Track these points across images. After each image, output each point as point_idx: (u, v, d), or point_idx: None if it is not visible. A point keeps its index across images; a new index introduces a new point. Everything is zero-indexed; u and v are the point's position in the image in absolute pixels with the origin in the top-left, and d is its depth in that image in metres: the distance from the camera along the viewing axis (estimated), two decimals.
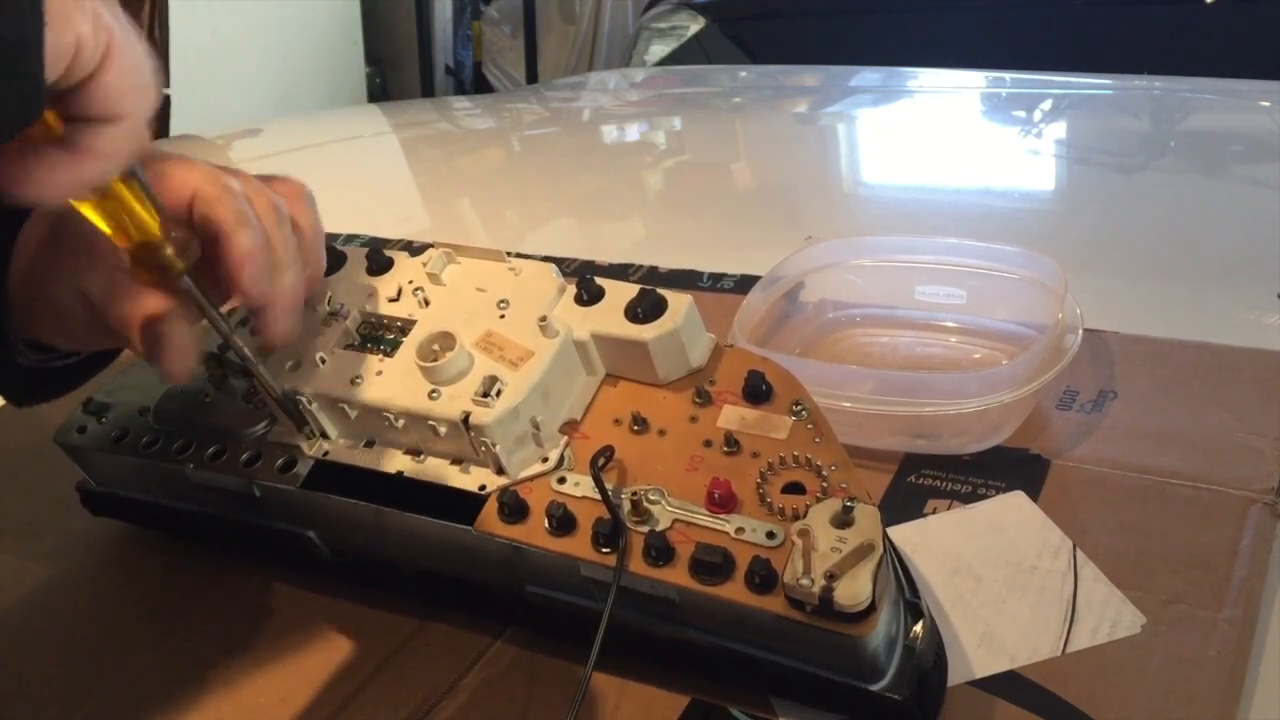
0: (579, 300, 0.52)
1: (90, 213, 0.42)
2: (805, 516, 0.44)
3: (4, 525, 0.68)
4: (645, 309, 0.50)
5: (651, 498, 0.47)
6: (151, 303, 0.46)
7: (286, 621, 0.57)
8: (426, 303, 0.53)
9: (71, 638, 0.59)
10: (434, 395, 0.49)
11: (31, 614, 0.61)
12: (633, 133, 1.57)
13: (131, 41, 0.38)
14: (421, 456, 0.51)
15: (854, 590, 0.41)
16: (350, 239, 1.00)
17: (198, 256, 0.45)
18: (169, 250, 0.44)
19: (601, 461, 0.48)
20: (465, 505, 0.49)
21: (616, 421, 0.51)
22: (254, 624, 0.57)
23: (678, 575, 0.45)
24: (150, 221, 0.43)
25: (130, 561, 0.63)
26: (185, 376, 0.47)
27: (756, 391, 0.50)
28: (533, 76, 3.36)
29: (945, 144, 1.30)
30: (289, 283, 0.47)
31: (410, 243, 0.97)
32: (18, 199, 0.37)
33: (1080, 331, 0.62)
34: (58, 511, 0.66)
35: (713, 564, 0.44)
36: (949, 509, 0.57)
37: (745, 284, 0.79)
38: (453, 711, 0.50)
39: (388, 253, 0.56)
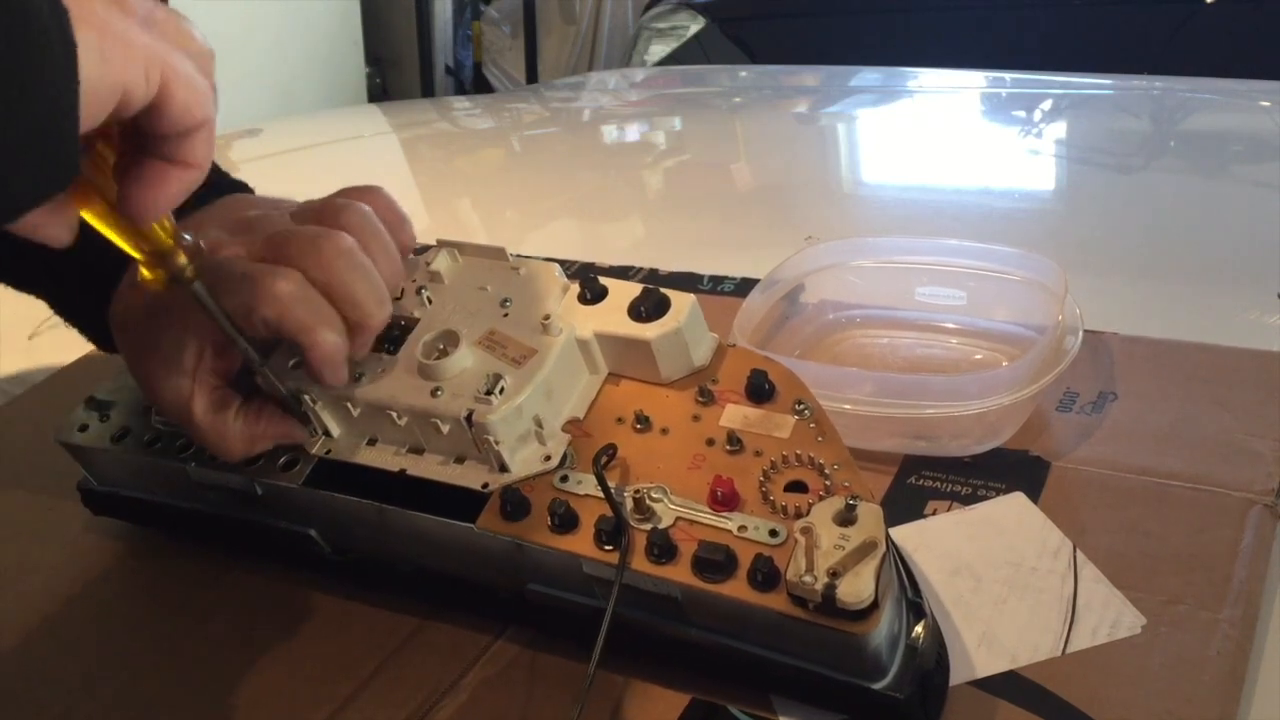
0: (582, 299, 0.52)
1: (100, 225, 0.42)
2: (808, 515, 0.44)
3: (4, 524, 0.68)
4: (648, 308, 0.50)
5: (654, 496, 0.47)
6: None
7: (287, 620, 0.57)
8: (429, 301, 0.54)
9: (72, 637, 0.58)
10: (437, 393, 0.49)
11: (32, 613, 0.60)
12: (633, 133, 1.57)
13: (189, 43, 0.39)
14: (424, 454, 0.51)
15: (857, 588, 0.41)
16: None
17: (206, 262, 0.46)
18: (181, 259, 0.44)
19: (604, 460, 0.48)
20: (467, 503, 0.49)
21: (619, 420, 0.51)
22: (255, 623, 0.57)
23: (680, 573, 0.45)
24: (161, 230, 0.43)
25: (131, 561, 0.63)
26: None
27: (759, 390, 0.50)
28: (533, 76, 3.36)
29: (945, 144, 1.30)
30: (328, 340, 0.48)
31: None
32: (139, 221, 0.41)
33: (1080, 333, 0.62)
34: (59, 511, 0.66)
35: (715, 562, 0.44)
36: (949, 510, 0.57)
37: (745, 286, 0.79)
38: (453, 710, 0.50)
39: None
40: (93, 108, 0.35)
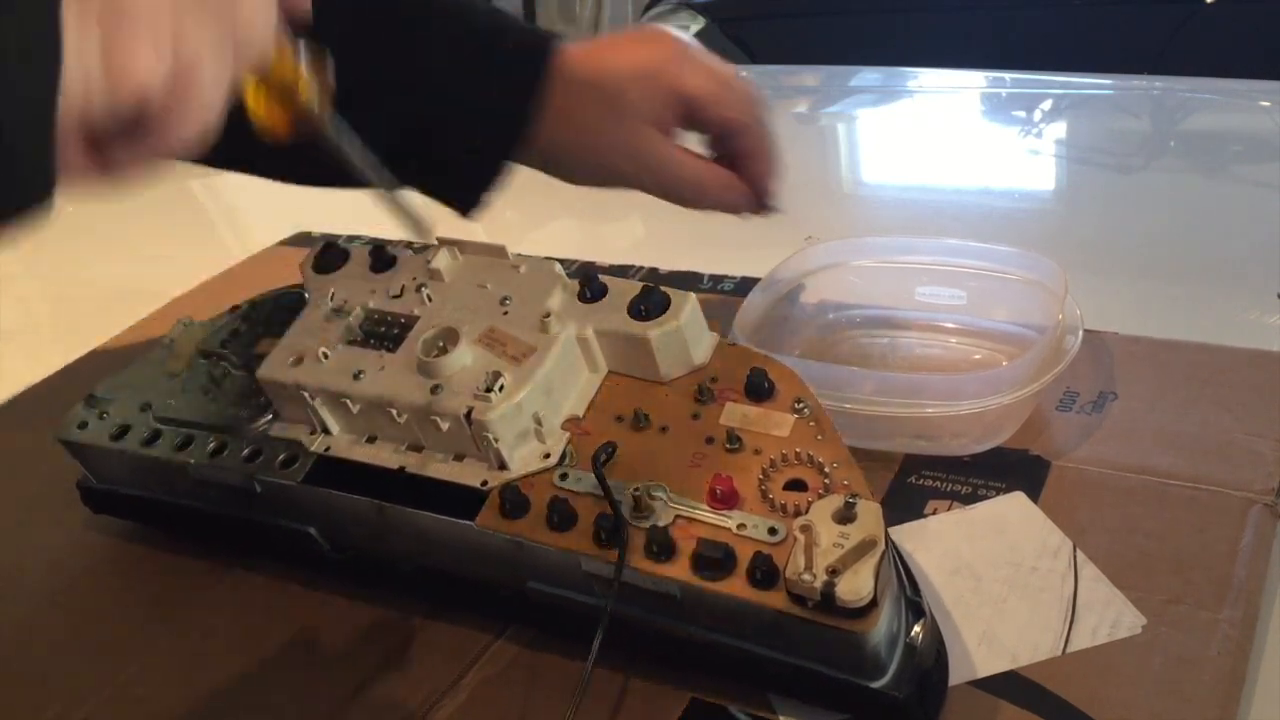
0: (582, 297, 0.52)
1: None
2: (807, 513, 0.44)
3: (4, 523, 0.68)
4: (648, 306, 0.50)
5: (653, 494, 0.47)
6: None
7: (287, 619, 0.57)
8: (429, 299, 0.53)
9: (71, 637, 0.58)
10: (436, 390, 0.49)
11: (31, 612, 0.60)
12: None
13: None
14: (423, 452, 0.51)
15: (856, 585, 0.41)
16: (352, 239, 1.00)
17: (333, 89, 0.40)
18: (305, 92, 0.39)
19: (603, 458, 0.48)
20: (467, 501, 0.49)
21: (619, 418, 0.51)
22: (254, 622, 0.57)
23: (679, 571, 0.45)
24: (280, 59, 0.38)
25: (130, 559, 0.63)
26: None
27: (758, 389, 0.50)
28: None
29: (945, 144, 1.29)
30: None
31: (411, 244, 0.97)
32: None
33: (1080, 333, 0.62)
34: (58, 509, 0.66)
35: (714, 559, 0.44)
36: (949, 510, 0.57)
37: (746, 286, 0.79)
38: (453, 710, 0.50)
39: (390, 250, 0.57)
40: (108, 108, 0.29)
